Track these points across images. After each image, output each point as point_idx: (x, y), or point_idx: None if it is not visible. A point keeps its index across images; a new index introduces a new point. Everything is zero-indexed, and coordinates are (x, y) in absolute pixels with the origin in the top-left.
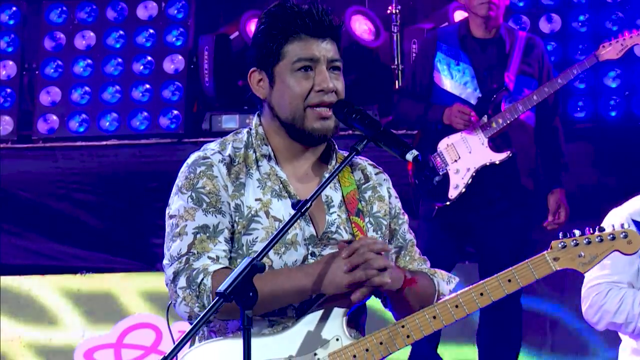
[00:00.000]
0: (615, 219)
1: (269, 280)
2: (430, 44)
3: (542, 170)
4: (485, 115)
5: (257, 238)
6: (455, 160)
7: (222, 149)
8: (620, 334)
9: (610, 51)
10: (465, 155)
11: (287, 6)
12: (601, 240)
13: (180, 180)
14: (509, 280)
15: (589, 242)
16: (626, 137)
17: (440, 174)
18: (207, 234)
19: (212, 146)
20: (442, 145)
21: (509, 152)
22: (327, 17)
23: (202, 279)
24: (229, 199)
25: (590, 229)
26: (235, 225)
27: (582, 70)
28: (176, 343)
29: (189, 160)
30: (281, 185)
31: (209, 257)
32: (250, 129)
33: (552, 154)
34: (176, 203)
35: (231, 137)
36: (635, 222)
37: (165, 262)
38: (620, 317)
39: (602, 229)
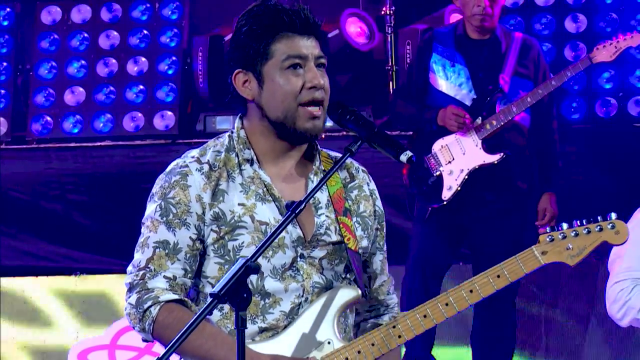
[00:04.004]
0: None
1: (212, 346)
2: (426, 44)
3: (536, 172)
4: (480, 117)
5: (243, 243)
6: (449, 162)
7: (202, 154)
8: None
9: (603, 53)
10: (459, 157)
11: (270, 5)
12: (588, 232)
13: (155, 187)
14: (498, 276)
15: (576, 235)
16: (620, 138)
17: (434, 175)
18: (167, 251)
19: (192, 153)
20: (437, 146)
21: (502, 153)
22: (311, 15)
23: (150, 306)
24: (201, 210)
25: (578, 222)
26: (208, 234)
27: (576, 72)
28: (169, 345)
29: (167, 169)
30: (265, 189)
31: (164, 277)
32: (232, 133)
33: (546, 156)
34: (147, 210)
35: (212, 142)
36: None
37: (129, 267)
38: None
39: (589, 221)
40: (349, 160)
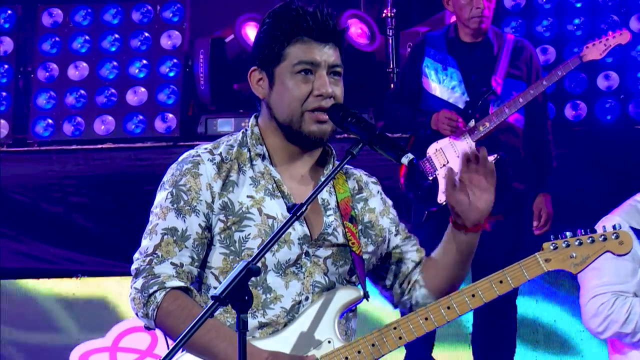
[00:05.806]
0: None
1: (212, 337)
2: (418, 49)
3: (532, 173)
4: (473, 119)
5: (249, 235)
6: (444, 165)
7: (215, 147)
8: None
9: (593, 51)
10: (453, 160)
11: (292, 7)
12: (593, 241)
13: (166, 176)
14: (501, 282)
15: (580, 243)
16: (622, 140)
17: (430, 179)
18: (175, 238)
19: (205, 146)
20: (431, 150)
21: (496, 155)
22: (331, 21)
23: (155, 291)
24: (210, 198)
25: (582, 230)
26: (215, 224)
27: (566, 72)
28: (171, 347)
29: (180, 158)
30: (274, 185)
31: (172, 263)
32: (246, 129)
33: (540, 157)
34: (157, 198)
35: (225, 138)
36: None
37: (135, 255)
38: (628, 327)
39: (593, 230)
40: (358, 173)
